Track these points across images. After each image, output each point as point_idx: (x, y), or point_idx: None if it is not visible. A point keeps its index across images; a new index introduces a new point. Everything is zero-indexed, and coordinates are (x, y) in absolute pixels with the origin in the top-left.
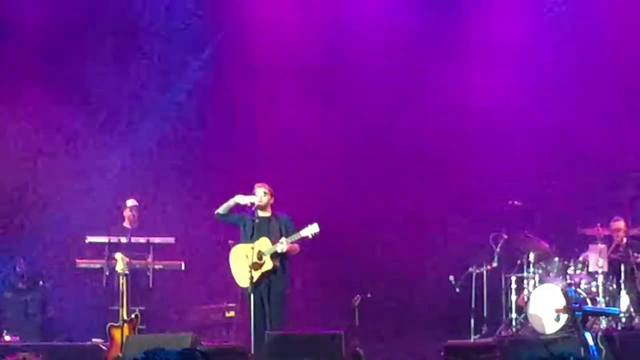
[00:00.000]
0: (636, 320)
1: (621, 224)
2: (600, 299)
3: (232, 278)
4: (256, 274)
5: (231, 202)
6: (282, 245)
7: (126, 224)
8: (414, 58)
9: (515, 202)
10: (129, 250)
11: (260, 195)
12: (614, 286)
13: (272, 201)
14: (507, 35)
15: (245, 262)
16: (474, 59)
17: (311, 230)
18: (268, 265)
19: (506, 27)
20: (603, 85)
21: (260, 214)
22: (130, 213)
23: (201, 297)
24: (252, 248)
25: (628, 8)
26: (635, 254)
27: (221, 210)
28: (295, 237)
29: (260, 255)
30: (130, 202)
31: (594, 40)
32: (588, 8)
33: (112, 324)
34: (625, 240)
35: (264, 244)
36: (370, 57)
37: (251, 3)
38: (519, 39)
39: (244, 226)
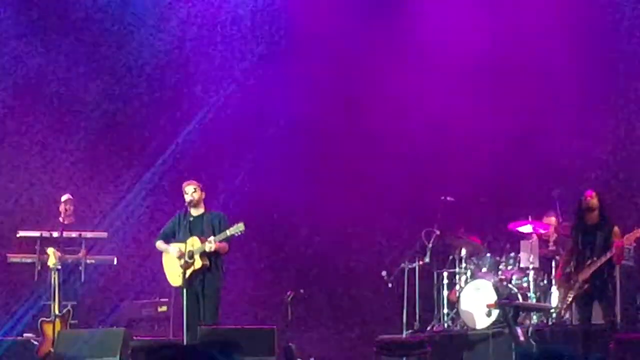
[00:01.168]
0: (566, 315)
1: (552, 219)
2: (531, 294)
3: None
4: (187, 273)
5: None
6: (210, 245)
7: (61, 219)
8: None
9: (448, 198)
10: (62, 244)
11: (190, 192)
12: (545, 282)
13: (203, 197)
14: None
15: (176, 261)
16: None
17: (237, 229)
18: (198, 263)
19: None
20: (537, 81)
21: (193, 212)
22: (64, 207)
23: (133, 292)
24: (183, 247)
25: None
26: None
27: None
28: (222, 235)
29: (190, 254)
30: (64, 197)
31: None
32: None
33: (44, 319)
34: (555, 236)
35: (194, 242)
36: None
37: None
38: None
39: (178, 227)
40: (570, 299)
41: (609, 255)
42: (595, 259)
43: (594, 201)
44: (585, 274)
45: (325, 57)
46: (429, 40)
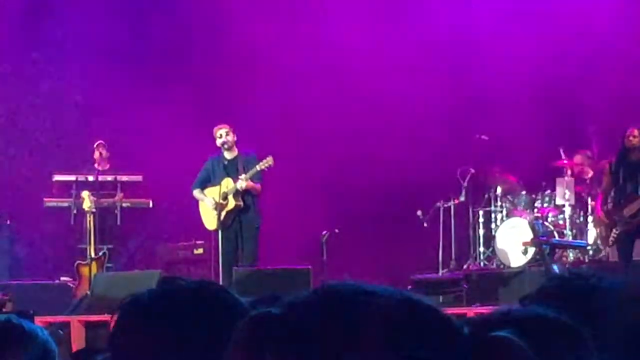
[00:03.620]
0: (603, 252)
1: (580, 157)
2: (567, 231)
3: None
4: (221, 215)
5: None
6: (242, 183)
7: (95, 165)
8: None
9: (483, 136)
10: (97, 188)
11: (223, 135)
12: (581, 219)
13: (235, 139)
14: None
15: (211, 205)
16: None
17: (266, 163)
18: (231, 204)
19: None
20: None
21: (227, 154)
22: (97, 152)
23: (169, 235)
24: (217, 190)
25: None
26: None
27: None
28: (253, 172)
29: (224, 196)
30: (97, 143)
31: None
32: None
33: (80, 262)
34: (591, 173)
35: (227, 184)
36: None
37: None
38: None
39: (213, 171)
40: (615, 236)
41: None
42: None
43: (637, 139)
44: (631, 209)
45: None
46: None
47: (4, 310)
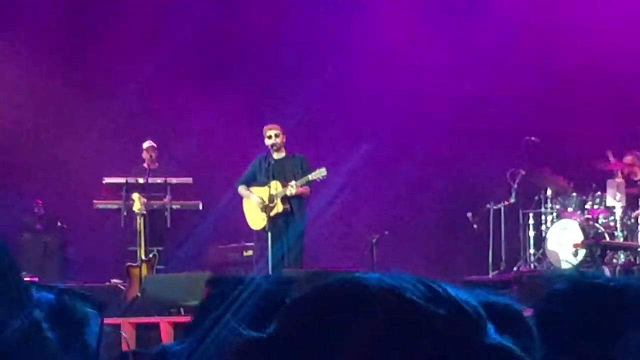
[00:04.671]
0: None
1: (630, 158)
2: (618, 233)
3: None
4: (267, 217)
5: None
6: (292, 189)
7: (145, 166)
8: None
9: (532, 138)
10: (147, 190)
11: (273, 136)
12: (632, 220)
13: (284, 140)
14: None
15: (257, 205)
16: None
17: (319, 173)
18: (279, 207)
19: None
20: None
21: (275, 155)
22: (147, 154)
23: (219, 237)
24: (264, 195)
25: None
26: None
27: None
28: (304, 180)
29: (271, 198)
30: (147, 144)
31: None
32: None
33: (131, 264)
34: None
35: (276, 186)
36: None
37: None
38: None
39: (260, 170)
40: None
41: None
42: None
43: None
44: None
45: None
46: None
47: None
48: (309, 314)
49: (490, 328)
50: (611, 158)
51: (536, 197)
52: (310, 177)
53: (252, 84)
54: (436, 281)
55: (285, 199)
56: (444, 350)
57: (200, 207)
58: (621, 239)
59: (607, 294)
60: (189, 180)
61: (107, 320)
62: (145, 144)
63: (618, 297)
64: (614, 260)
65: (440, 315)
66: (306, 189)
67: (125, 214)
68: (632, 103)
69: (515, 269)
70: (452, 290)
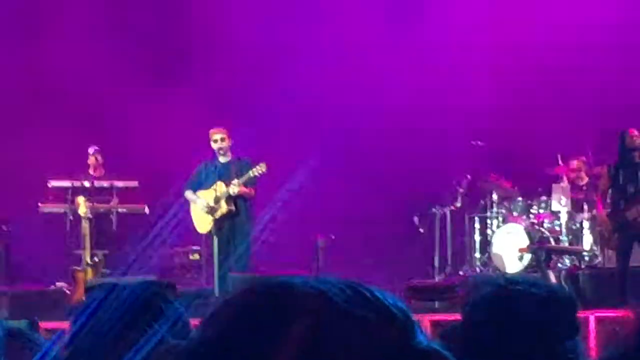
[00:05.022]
0: (599, 258)
1: (576, 163)
2: (563, 237)
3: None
4: (214, 219)
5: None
6: (234, 188)
7: (90, 171)
8: None
9: (478, 142)
10: (92, 194)
11: (219, 140)
12: (577, 225)
13: (231, 143)
14: None
15: (203, 208)
16: None
17: (259, 169)
18: (223, 209)
19: None
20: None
21: (221, 159)
22: (93, 159)
23: (166, 241)
24: (209, 198)
25: None
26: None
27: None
28: (245, 177)
29: (216, 200)
30: (92, 149)
31: None
32: None
33: (76, 267)
34: (586, 179)
35: (219, 188)
36: None
37: None
38: None
39: (206, 174)
40: (616, 240)
41: None
42: None
43: (638, 139)
44: (634, 212)
45: None
46: None
47: None
48: (234, 319)
49: (419, 331)
50: (560, 162)
51: (482, 201)
52: (251, 173)
53: (200, 87)
54: (364, 284)
55: (230, 200)
56: (373, 353)
57: (147, 211)
58: (566, 244)
59: (525, 302)
60: (135, 183)
61: (52, 324)
62: (91, 149)
63: (536, 307)
64: (559, 265)
65: (367, 319)
66: (250, 190)
67: (70, 217)
68: (579, 108)
69: (460, 272)
70: (379, 294)
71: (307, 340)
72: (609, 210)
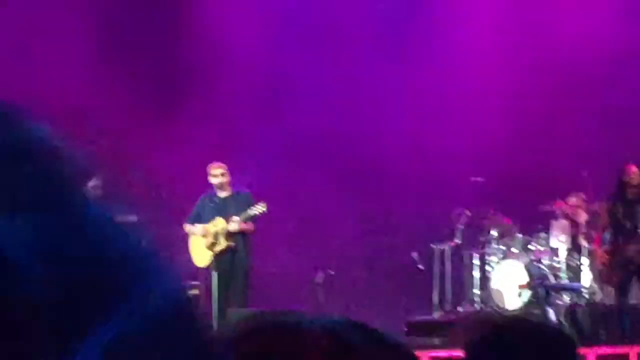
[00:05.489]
0: (598, 295)
1: (575, 200)
2: (562, 274)
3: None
4: (212, 254)
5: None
6: (235, 225)
7: None
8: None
9: (478, 179)
10: None
11: (218, 175)
12: (577, 262)
13: (229, 179)
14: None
15: (202, 242)
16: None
17: (259, 208)
18: (223, 244)
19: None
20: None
21: (220, 194)
22: (92, 193)
23: None
24: (208, 227)
25: None
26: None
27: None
28: (246, 215)
29: (215, 235)
30: (92, 182)
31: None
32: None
33: None
34: (585, 215)
35: (218, 223)
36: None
37: None
38: None
39: (204, 209)
40: (618, 272)
41: None
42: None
43: (637, 176)
44: (632, 249)
45: None
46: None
47: None
48: (250, 355)
49: None
50: (557, 198)
51: (481, 238)
52: (251, 211)
53: (201, 124)
54: (368, 324)
55: (229, 235)
56: None
57: None
58: (566, 280)
59: (525, 342)
60: (134, 218)
61: None
62: (90, 183)
63: (536, 347)
64: (559, 302)
65: (376, 357)
66: (250, 225)
67: None
68: (578, 146)
69: (460, 309)
70: (383, 333)
71: None
72: (608, 246)
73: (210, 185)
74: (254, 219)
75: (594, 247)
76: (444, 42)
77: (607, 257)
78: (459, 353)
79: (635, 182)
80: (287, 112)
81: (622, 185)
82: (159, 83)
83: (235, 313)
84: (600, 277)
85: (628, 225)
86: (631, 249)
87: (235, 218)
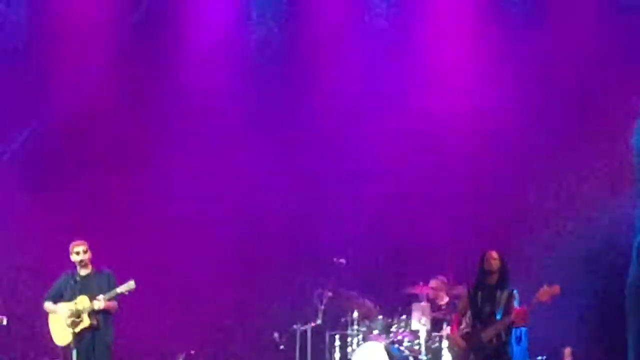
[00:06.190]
0: None
1: (436, 283)
2: (423, 357)
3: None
4: (74, 332)
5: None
6: (100, 303)
7: None
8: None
9: (340, 260)
10: None
11: (80, 252)
12: (437, 344)
13: (91, 256)
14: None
15: (63, 321)
16: None
17: (128, 286)
18: (86, 322)
19: None
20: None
21: (82, 271)
22: None
23: (24, 353)
24: (71, 307)
25: None
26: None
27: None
28: (112, 293)
29: (78, 313)
30: None
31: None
32: None
33: None
34: (446, 299)
35: (82, 302)
36: None
37: None
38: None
39: (66, 286)
40: (473, 357)
41: (512, 317)
42: (497, 319)
43: (496, 262)
44: (489, 334)
45: None
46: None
47: None
48: None
49: None
50: (419, 281)
51: (342, 319)
52: (119, 290)
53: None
54: None
55: (92, 313)
56: None
57: (5, 323)
58: None
59: None
60: None
61: None
62: None
63: None
64: None
65: None
66: (114, 304)
67: None
68: (438, 229)
69: None
70: None
71: None
72: (467, 330)
73: (73, 264)
74: (118, 297)
75: (452, 330)
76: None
77: (460, 341)
78: None
79: (494, 268)
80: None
81: (483, 270)
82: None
83: None
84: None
85: (487, 309)
86: (488, 333)
87: (101, 296)
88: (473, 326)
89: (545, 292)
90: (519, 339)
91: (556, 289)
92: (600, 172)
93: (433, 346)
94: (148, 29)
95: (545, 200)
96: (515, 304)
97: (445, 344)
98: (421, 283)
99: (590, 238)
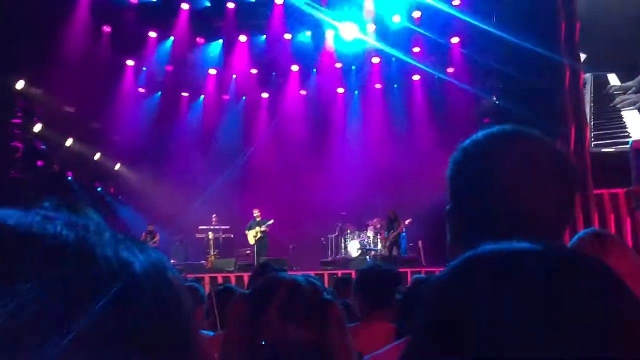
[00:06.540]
0: (383, 251)
1: (377, 220)
2: (375, 246)
3: None
4: None
5: None
6: None
7: None
8: None
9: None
10: None
11: None
12: (378, 241)
13: None
14: None
15: None
16: None
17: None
18: None
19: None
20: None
21: None
22: None
23: None
24: None
25: None
26: None
27: None
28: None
29: None
30: None
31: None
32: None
33: None
34: (379, 225)
35: None
36: None
37: None
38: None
39: None
40: (390, 246)
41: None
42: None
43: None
44: (395, 235)
45: None
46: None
47: None
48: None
49: (326, 293)
50: None
51: (345, 232)
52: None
53: None
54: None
55: None
56: (307, 306)
57: None
58: (373, 247)
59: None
60: None
61: None
62: None
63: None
64: (371, 254)
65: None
66: None
67: None
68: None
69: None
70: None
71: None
72: (386, 237)
73: None
74: None
75: (381, 237)
76: None
77: (385, 241)
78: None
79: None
80: None
81: (390, 221)
82: None
83: None
84: (383, 247)
85: (394, 227)
86: (393, 235)
87: None
88: (388, 237)
89: None
90: None
91: None
92: None
93: (378, 242)
94: None
95: None
96: None
97: (380, 241)
98: (373, 219)
99: None
